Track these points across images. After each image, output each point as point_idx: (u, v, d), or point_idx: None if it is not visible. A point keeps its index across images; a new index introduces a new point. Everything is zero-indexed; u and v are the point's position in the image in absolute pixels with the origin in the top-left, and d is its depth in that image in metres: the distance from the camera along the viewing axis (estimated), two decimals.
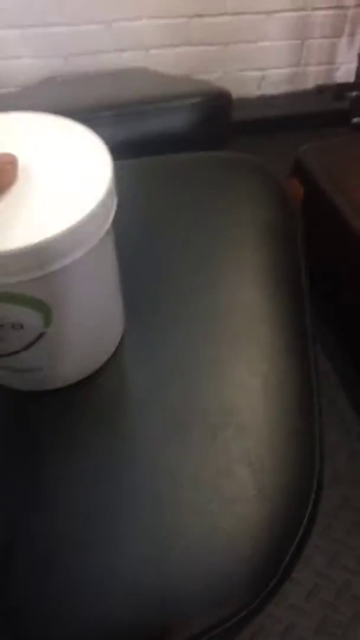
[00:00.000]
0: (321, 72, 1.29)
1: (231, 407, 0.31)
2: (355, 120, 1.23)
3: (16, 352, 0.29)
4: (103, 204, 0.24)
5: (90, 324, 0.30)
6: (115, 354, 0.34)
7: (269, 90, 1.32)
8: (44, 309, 0.26)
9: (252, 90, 1.31)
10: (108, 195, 0.25)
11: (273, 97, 1.32)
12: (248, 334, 0.34)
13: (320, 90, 1.30)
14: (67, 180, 0.25)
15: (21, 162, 0.25)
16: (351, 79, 1.26)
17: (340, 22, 1.23)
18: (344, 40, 1.26)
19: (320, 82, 1.30)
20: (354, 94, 1.21)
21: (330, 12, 1.22)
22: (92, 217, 0.24)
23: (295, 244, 0.41)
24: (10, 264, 0.23)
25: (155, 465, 0.29)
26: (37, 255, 0.23)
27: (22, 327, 0.27)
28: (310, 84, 1.30)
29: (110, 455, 0.30)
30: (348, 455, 0.73)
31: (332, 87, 1.27)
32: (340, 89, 1.24)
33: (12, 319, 0.26)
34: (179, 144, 0.55)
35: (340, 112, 1.23)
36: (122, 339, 0.34)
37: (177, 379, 0.32)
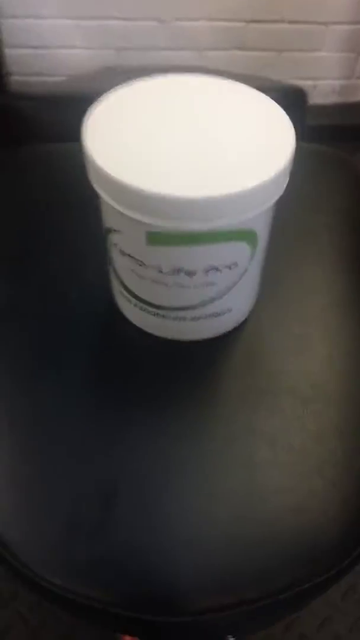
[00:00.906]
0: None
1: (321, 381, 0.34)
2: None
3: (221, 296, 0.31)
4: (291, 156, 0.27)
5: (261, 262, 0.32)
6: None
7: (319, 100, 1.32)
8: (254, 242, 0.29)
9: None
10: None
11: (323, 107, 1.32)
12: (333, 313, 0.37)
13: None
14: (264, 133, 0.28)
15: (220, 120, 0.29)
16: None
17: None
18: None
19: None
20: None
21: None
22: (289, 162, 0.27)
23: None
24: (251, 199, 0.26)
25: (251, 426, 0.32)
26: (268, 189, 0.26)
27: (236, 265, 0.29)
28: None
29: (208, 411, 0.32)
30: None
31: None
32: None
33: (230, 259, 0.29)
34: None
35: None
36: None
37: (267, 354, 0.35)
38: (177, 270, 0.29)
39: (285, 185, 0.28)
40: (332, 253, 0.40)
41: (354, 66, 1.27)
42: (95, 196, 0.30)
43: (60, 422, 0.32)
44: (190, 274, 0.29)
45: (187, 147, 0.26)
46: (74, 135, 0.51)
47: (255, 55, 1.23)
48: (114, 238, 0.30)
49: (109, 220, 0.29)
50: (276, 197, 0.27)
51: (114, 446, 0.31)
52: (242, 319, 0.35)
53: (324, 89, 1.30)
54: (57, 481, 0.30)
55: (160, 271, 0.29)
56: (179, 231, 0.26)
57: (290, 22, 1.20)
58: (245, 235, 0.28)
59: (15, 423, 0.32)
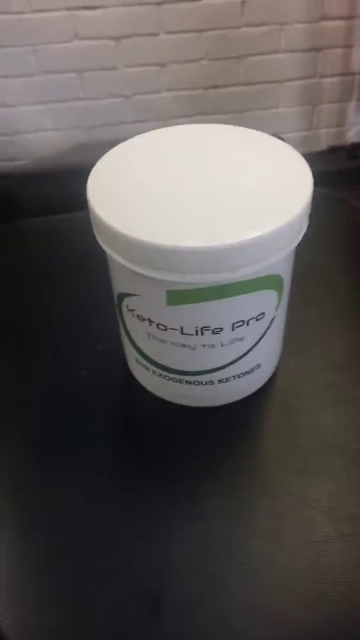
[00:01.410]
0: (332, 134, 1.33)
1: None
2: None
3: (249, 351, 0.28)
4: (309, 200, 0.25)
5: (285, 310, 0.30)
6: None
7: None
8: (280, 288, 0.27)
9: None
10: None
11: None
12: None
13: (333, 150, 1.33)
14: (277, 172, 0.26)
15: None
16: None
17: (348, 88, 1.29)
18: (352, 104, 1.31)
19: (332, 143, 1.34)
20: None
21: (337, 78, 1.27)
22: (310, 200, 0.25)
23: None
24: (278, 241, 0.23)
25: (303, 496, 0.28)
26: (293, 228, 0.24)
27: (263, 315, 0.27)
28: (323, 145, 1.34)
29: (252, 484, 0.29)
30: None
31: (346, 148, 1.30)
32: (355, 148, 1.27)
33: (258, 309, 0.27)
34: None
35: (355, 170, 1.25)
36: None
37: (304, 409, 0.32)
38: (202, 330, 0.26)
39: (307, 226, 0.26)
40: (350, 295, 0.38)
41: (311, 118, 1.31)
42: (103, 261, 0.28)
43: (86, 517, 0.28)
44: (216, 332, 0.26)
45: (201, 196, 0.24)
46: (57, 208, 0.49)
47: (218, 117, 1.27)
48: (129, 303, 0.27)
49: (122, 285, 0.27)
50: (299, 238, 0.25)
51: (151, 538, 0.27)
52: (271, 374, 0.32)
53: (288, 142, 1.33)
54: (94, 590, 0.25)
55: (183, 332, 0.27)
56: (203, 286, 0.24)
57: (247, 84, 1.25)
58: (273, 282, 0.26)
59: (34, 524, 0.28)
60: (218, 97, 1.25)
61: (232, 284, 0.24)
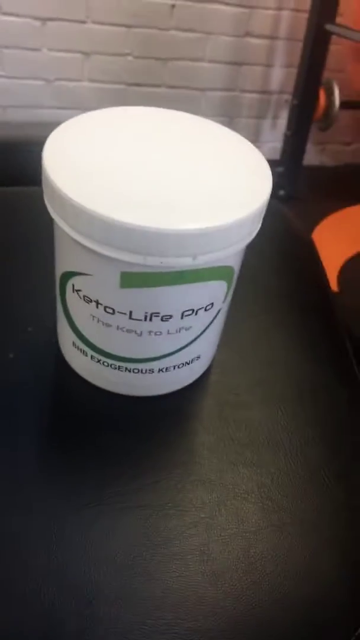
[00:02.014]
0: None
1: (293, 429, 0.31)
2: (282, 192, 1.32)
3: (193, 342, 0.28)
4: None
5: (229, 304, 0.30)
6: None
7: None
8: (231, 280, 0.27)
9: None
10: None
11: None
12: (292, 354, 0.34)
13: None
14: (239, 167, 0.26)
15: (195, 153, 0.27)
16: (274, 156, 1.37)
17: (265, 105, 1.34)
18: (268, 121, 1.36)
19: None
20: (280, 169, 1.31)
21: (256, 95, 1.33)
22: (269, 196, 0.26)
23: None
24: (238, 233, 0.23)
25: (236, 488, 0.28)
26: (253, 222, 0.24)
27: (212, 306, 0.27)
28: None
29: (187, 475, 0.27)
30: None
31: None
32: None
33: (208, 299, 0.26)
34: None
35: None
36: None
37: (238, 403, 0.32)
38: (152, 315, 0.26)
39: (261, 222, 0.26)
40: (280, 296, 0.39)
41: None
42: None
43: (14, 510, 0.26)
44: (165, 319, 0.26)
45: (164, 179, 0.24)
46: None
47: None
48: (75, 283, 0.26)
49: (71, 263, 0.26)
50: (255, 233, 0.26)
51: (84, 530, 0.26)
52: (207, 366, 0.33)
53: None
54: (22, 585, 0.24)
55: (131, 317, 0.26)
56: (161, 270, 0.23)
57: (170, 87, 1.26)
58: (226, 273, 0.26)
59: None
60: (140, 95, 1.25)
61: (190, 270, 0.24)
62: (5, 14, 1.04)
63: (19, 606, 0.23)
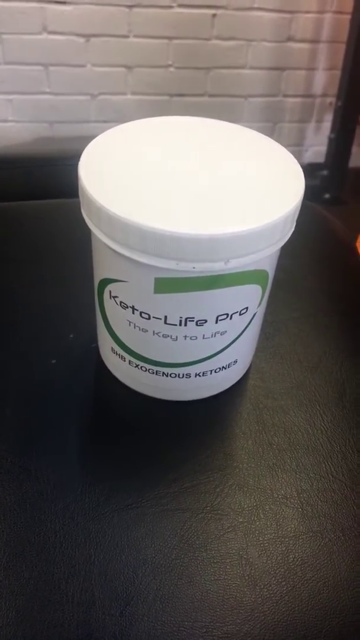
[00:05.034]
0: (291, 153, 1.37)
1: (335, 434, 0.31)
2: (326, 196, 1.30)
3: (229, 346, 0.28)
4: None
5: (265, 308, 0.30)
6: None
7: None
8: (265, 284, 0.27)
9: None
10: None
11: None
12: (331, 358, 0.34)
13: None
14: (270, 170, 0.26)
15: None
16: (318, 159, 1.35)
17: (309, 109, 1.33)
18: (312, 125, 1.35)
19: None
20: (324, 172, 1.29)
21: (299, 99, 1.32)
22: (301, 199, 0.25)
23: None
24: (270, 236, 0.24)
25: (275, 492, 0.27)
26: (285, 225, 0.24)
27: (246, 310, 0.27)
28: None
29: (225, 480, 0.27)
30: None
31: (304, 166, 1.34)
32: (311, 168, 1.31)
33: (243, 303, 0.26)
34: None
35: (311, 189, 1.29)
36: None
37: (276, 407, 0.31)
38: (186, 320, 0.26)
39: (294, 226, 0.26)
40: (320, 299, 0.39)
41: (271, 135, 1.35)
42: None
43: (55, 511, 0.27)
44: (200, 323, 0.26)
45: (195, 185, 0.24)
46: (23, 195, 0.48)
47: None
48: (112, 289, 0.27)
49: (107, 270, 0.26)
50: (288, 236, 0.26)
51: (124, 531, 0.26)
52: (245, 371, 0.33)
53: None
54: (64, 586, 0.25)
55: (167, 322, 0.26)
56: (194, 275, 0.24)
57: (212, 95, 1.27)
58: (260, 277, 0.26)
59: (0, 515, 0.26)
60: (183, 105, 1.26)
61: (224, 275, 0.24)
62: (50, 32, 1.08)
63: (60, 606, 0.24)
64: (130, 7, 1.09)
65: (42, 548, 0.25)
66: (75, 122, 1.21)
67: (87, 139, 0.28)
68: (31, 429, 0.30)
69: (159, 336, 0.27)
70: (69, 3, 1.05)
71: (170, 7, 1.10)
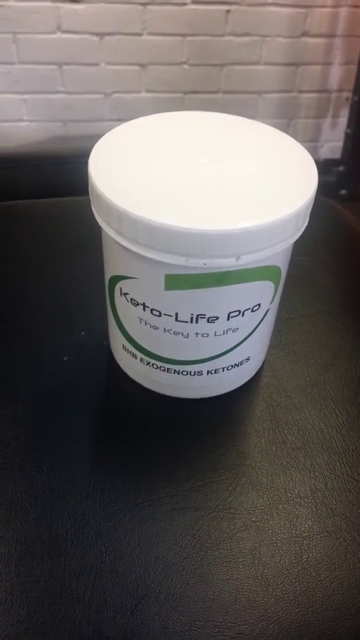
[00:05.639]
0: (306, 149, 1.36)
1: (351, 433, 0.31)
2: (343, 192, 1.28)
3: (241, 343, 0.28)
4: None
5: (278, 304, 0.30)
6: None
7: None
8: (278, 280, 0.27)
9: None
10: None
11: None
12: (346, 356, 0.34)
13: None
14: (284, 165, 0.26)
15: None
16: (334, 155, 1.33)
17: (324, 105, 1.32)
18: (327, 120, 1.34)
19: None
20: (341, 168, 1.28)
21: (314, 95, 1.30)
22: (313, 198, 0.25)
23: None
24: (283, 231, 0.23)
25: (289, 492, 0.28)
26: (298, 220, 0.24)
27: (259, 307, 0.27)
28: None
29: (238, 478, 0.27)
30: None
31: (320, 162, 1.33)
32: (327, 164, 1.30)
33: (255, 300, 0.26)
34: None
35: (327, 185, 1.28)
36: None
37: (290, 405, 0.32)
38: (198, 317, 0.26)
39: (307, 221, 0.26)
40: (337, 296, 0.38)
41: (286, 131, 1.34)
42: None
43: (65, 509, 0.27)
44: (211, 320, 0.26)
45: (205, 180, 0.24)
46: (37, 193, 0.48)
47: None
48: (123, 286, 0.27)
49: (118, 267, 0.26)
50: (300, 232, 0.25)
51: (136, 529, 0.26)
52: (258, 368, 0.32)
53: None
54: (75, 585, 0.24)
55: (177, 319, 0.26)
56: (205, 272, 0.24)
57: (226, 92, 1.26)
58: (272, 273, 0.26)
59: (10, 512, 0.26)
60: (197, 102, 1.26)
61: (235, 271, 0.24)
62: (64, 31, 1.08)
63: (71, 604, 0.24)
64: (144, 4, 1.08)
65: (53, 545, 0.25)
66: (89, 120, 1.21)
67: (97, 137, 0.28)
68: (43, 426, 0.30)
69: (170, 333, 0.27)
70: (83, 2, 1.06)
71: (184, 4, 1.10)
